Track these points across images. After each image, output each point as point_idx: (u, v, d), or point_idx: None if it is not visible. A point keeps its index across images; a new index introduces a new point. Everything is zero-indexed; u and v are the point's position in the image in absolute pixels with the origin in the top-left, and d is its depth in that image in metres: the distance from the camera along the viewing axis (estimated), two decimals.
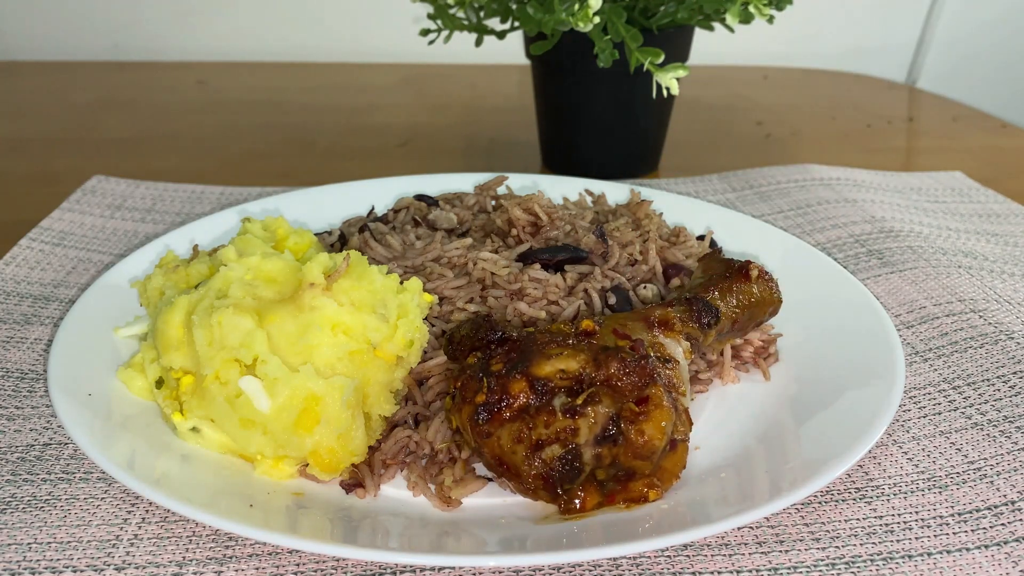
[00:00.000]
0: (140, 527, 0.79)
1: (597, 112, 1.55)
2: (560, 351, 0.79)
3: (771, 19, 1.35)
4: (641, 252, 1.11)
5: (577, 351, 0.79)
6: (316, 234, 1.18)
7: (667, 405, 0.79)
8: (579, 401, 0.76)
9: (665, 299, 1.01)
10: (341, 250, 1.13)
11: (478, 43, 1.52)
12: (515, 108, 2.06)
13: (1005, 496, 0.84)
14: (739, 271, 0.97)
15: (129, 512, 0.81)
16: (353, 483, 0.83)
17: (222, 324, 0.84)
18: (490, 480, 0.84)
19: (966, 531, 0.80)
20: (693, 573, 0.75)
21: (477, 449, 0.79)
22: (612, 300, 1.01)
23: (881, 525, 0.81)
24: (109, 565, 0.75)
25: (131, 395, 0.92)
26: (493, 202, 1.27)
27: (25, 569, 0.74)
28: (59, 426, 0.92)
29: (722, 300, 0.95)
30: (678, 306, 0.91)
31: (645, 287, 1.05)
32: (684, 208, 1.31)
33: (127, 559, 0.76)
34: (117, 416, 0.88)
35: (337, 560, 0.76)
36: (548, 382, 0.77)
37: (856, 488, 0.86)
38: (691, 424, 0.83)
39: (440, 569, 0.75)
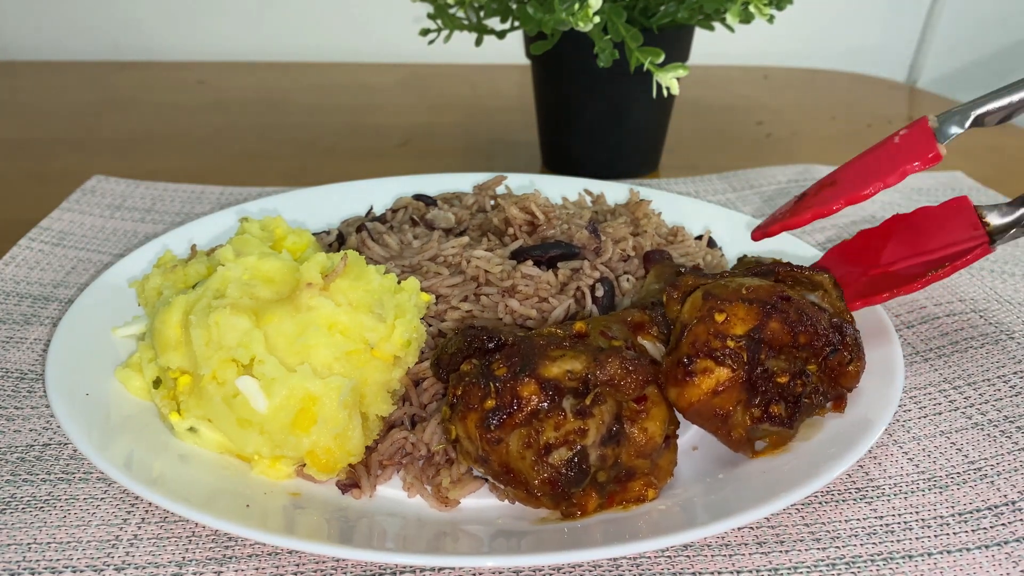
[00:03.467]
0: (140, 527, 0.79)
1: (597, 112, 1.54)
2: (562, 352, 0.79)
3: (771, 19, 1.35)
4: (634, 248, 1.11)
5: (578, 352, 0.79)
6: (314, 234, 1.17)
7: (664, 402, 0.79)
8: (588, 401, 0.75)
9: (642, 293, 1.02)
10: (339, 250, 1.13)
11: (478, 43, 1.52)
12: (515, 108, 2.06)
13: (1006, 496, 0.84)
14: (683, 274, 0.97)
15: (129, 512, 0.81)
16: (349, 483, 0.83)
17: (219, 324, 0.84)
18: (488, 480, 0.83)
19: (966, 531, 0.80)
20: (693, 573, 0.75)
21: (482, 458, 0.78)
22: (599, 292, 1.01)
23: (881, 525, 0.81)
24: (109, 565, 0.75)
25: (129, 395, 0.92)
26: (492, 202, 1.27)
27: (25, 569, 0.74)
28: (58, 426, 0.92)
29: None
30: (647, 311, 0.91)
31: (628, 279, 1.05)
32: (683, 208, 1.31)
33: (127, 559, 0.75)
34: (115, 416, 0.87)
35: (337, 560, 0.76)
36: (557, 383, 0.77)
37: (856, 488, 0.85)
38: (679, 422, 0.83)
39: (440, 570, 0.75)
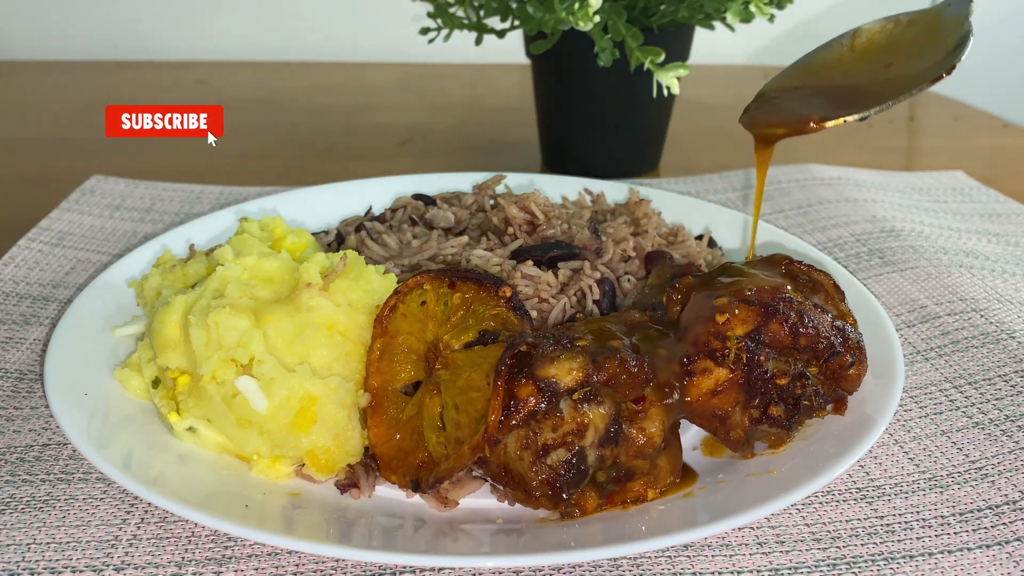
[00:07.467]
0: (139, 527, 0.79)
1: (597, 112, 1.54)
2: (560, 353, 0.78)
3: (772, 18, 1.35)
4: (635, 248, 1.10)
5: (576, 353, 0.79)
6: (313, 234, 1.17)
7: (663, 403, 0.79)
8: (584, 402, 0.75)
9: (643, 294, 1.02)
10: (338, 250, 1.13)
11: (478, 42, 1.51)
12: (515, 108, 2.06)
13: (1007, 496, 0.84)
14: (684, 274, 0.97)
15: (128, 512, 0.81)
16: (348, 483, 0.83)
17: (219, 324, 0.84)
18: (487, 480, 0.83)
19: (967, 531, 0.80)
20: (693, 573, 0.75)
21: (481, 459, 0.78)
22: (597, 295, 1.01)
23: (882, 525, 0.80)
24: (108, 566, 0.75)
25: (128, 395, 0.91)
26: (491, 201, 1.27)
27: (24, 570, 0.74)
28: (57, 426, 0.92)
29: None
30: (649, 312, 0.90)
31: (629, 279, 1.05)
32: (683, 207, 1.31)
33: (126, 559, 0.75)
34: (114, 416, 0.87)
35: (336, 560, 0.76)
36: (554, 384, 0.76)
37: (857, 488, 0.85)
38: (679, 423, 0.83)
39: (440, 570, 0.75)
